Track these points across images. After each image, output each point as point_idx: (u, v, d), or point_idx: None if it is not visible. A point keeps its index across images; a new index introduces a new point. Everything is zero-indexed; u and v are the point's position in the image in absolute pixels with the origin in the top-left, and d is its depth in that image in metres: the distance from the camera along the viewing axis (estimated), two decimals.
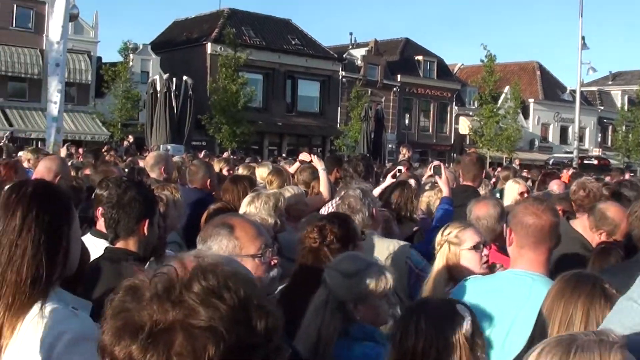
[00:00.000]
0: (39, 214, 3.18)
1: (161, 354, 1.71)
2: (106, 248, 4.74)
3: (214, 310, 1.73)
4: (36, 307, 3.04)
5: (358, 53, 72.62)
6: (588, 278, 3.51)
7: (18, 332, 3.02)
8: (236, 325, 1.75)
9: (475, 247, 5.30)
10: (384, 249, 6.28)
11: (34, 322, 3.01)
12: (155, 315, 1.73)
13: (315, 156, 10.40)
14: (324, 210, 8.03)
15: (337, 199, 7.42)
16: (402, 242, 6.67)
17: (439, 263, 5.38)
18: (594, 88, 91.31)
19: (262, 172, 11.34)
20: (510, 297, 4.38)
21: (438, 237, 5.48)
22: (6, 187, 3.37)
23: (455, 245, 5.30)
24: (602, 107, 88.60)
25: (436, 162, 8.38)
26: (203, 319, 1.72)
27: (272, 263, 3.84)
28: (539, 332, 3.39)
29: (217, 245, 3.83)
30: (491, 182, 13.74)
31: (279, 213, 6.80)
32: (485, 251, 5.30)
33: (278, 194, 6.97)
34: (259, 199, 6.66)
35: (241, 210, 6.55)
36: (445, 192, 7.96)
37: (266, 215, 6.51)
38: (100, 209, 4.93)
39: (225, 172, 12.28)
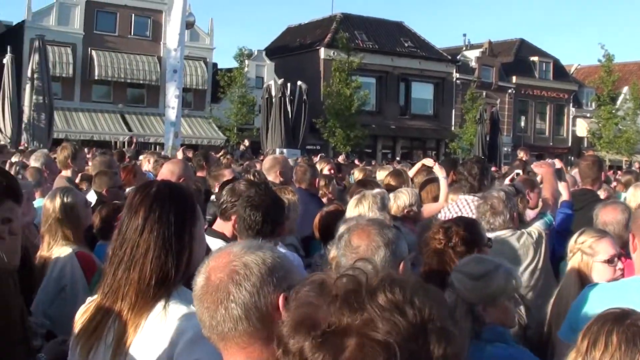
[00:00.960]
0: (162, 214, 3.25)
1: (330, 356, 1.68)
2: None
3: (393, 325, 1.67)
4: (159, 306, 3.12)
5: (472, 54, 71.91)
6: None
7: (142, 330, 3.10)
8: (412, 345, 1.67)
9: (609, 261, 5.09)
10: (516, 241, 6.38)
11: (157, 320, 3.09)
12: (333, 316, 1.71)
13: (437, 163, 10.33)
14: (442, 214, 7.98)
15: (477, 199, 7.39)
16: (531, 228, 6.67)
17: (570, 271, 5.22)
18: None
19: (381, 175, 11.38)
20: (636, 305, 4.07)
21: (571, 244, 5.33)
22: (130, 189, 3.46)
23: (588, 256, 5.13)
24: None
25: (558, 165, 8.21)
26: (380, 332, 1.66)
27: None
28: None
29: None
30: (612, 186, 13.43)
31: (387, 211, 6.78)
32: (620, 265, 5.07)
33: (382, 193, 6.94)
34: (365, 199, 6.63)
35: (350, 213, 6.56)
36: (565, 195, 7.86)
37: (378, 214, 6.45)
38: (236, 211, 5.10)
39: (326, 171, 12.29)
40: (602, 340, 2.94)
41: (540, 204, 7.38)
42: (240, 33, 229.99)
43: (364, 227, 4.25)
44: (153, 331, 3.07)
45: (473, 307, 4.08)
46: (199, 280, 2.57)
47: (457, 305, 4.08)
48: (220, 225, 5.64)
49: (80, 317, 3.35)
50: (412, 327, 1.68)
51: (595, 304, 4.15)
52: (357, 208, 6.58)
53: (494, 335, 4.05)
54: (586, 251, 5.13)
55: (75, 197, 6.04)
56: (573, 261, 5.21)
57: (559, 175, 7.96)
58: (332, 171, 12.58)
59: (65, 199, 5.84)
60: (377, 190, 7.11)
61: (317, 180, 9.76)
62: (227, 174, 9.87)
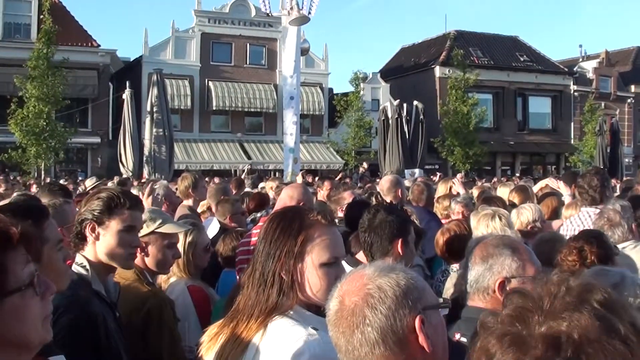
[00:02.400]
0: (288, 241, 3.38)
1: None
2: None
3: (622, 323, 1.68)
4: (277, 326, 3.25)
5: (589, 65, 70.53)
6: None
7: (258, 348, 3.22)
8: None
9: None
10: None
11: (275, 340, 3.18)
12: (573, 324, 1.68)
13: (562, 182, 10.41)
14: (565, 228, 8.05)
15: (597, 213, 7.32)
16: None
17: None
18: None
19: (502, 192, 11.38)
20: None
21: None
22: (270, 215, 3.70)
23: None
24: None
25: None
26: (618, 331, 1.66)
27: None
28: None
29: (499, 265, 3.95)
30: None
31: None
32: None
33: (503, 211, 7.00)
34: (493, 218, 6.71)
35: (478, 231, 6.58)
36: None
37: (509, 232, 6.50)
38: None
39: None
40: None
41: None
42: (355, 57, 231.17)
43: (490, 241, 4.22)
44: (270, 350, 3.16)
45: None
46: (333, 305, 2.60)
47: None
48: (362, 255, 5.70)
49: (207, 340, 3.50)
50: (631, 327, 1.69)
51: None
52: (486, 227, 6.63)
53: None
54: None
55: (199, 237, 6.30)
56: None
57: None
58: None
59: (188, 237, 6.13)
60: (496, 208, 7.16)
61: (433, 198, 9.88)
62: (347, 197, 10.10)
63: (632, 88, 71.22)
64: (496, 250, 3.97)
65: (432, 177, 26.61)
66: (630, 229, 6.52)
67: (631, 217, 6.65)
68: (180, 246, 5.71)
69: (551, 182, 11.04)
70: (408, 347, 2.47)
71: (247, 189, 16.73)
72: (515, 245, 4.03)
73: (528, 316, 1.73)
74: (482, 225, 6.67)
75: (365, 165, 35.05)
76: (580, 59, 73.47)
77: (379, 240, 5.04)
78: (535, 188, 11.44)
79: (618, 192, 13.43)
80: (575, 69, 69.57)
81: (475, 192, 12.78)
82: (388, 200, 8.81)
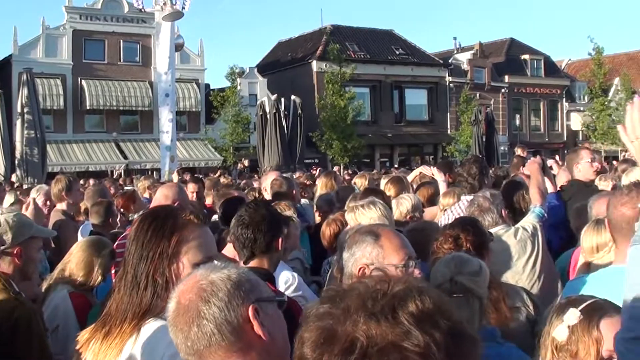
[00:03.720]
0: (160, 242, 3.31)
1: None
2: None
3: (429, 335, 1.65)
4: (151, 328, 3.17)
5: (463, 57, 72.21)
6: None
7: (132, 353, 3.14)
8: (448, 355, 1.66)
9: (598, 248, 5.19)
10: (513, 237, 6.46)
11: (149, 343, 3.11)
12: (369, 331, 1.66)
13: (435, 168, 10.46)
14: (445, 217, 8.05)
15: (466, 201, 7.58)
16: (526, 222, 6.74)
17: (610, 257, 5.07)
18: None
19: (360, 183, 11.65)
20: (616, 297, 3.95)
21: (597, 241, 5.27)
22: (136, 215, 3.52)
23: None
24: None
25: (550, 161, 8.29)
26: (419, 344, 1.63)
27: (415, 275, 3.78)
28: None
29: (361, 251, 3.95)
30: (617, 175, 13.41)
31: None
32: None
33: (379, 201, 6.79)
34: (370, 208, 6.51)
35: (356, 222, 6.41)
36: (551, 188, 8.25)
37: (386, 221, 6.34)
38: (232, 230, 5.06)
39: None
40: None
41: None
42: (232, 52, 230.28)
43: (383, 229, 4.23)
44: (137, 350, 3.13)
45: (482, 302, 4.08)
46: (171, 306, 2.60)
47: (472, 306, 4.06)
48: (228, 249, 5.64)
49: (79, 347, 3.35)
50: (445, 337, 1.66)
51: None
52: (365, 215, 6.50)
53: (484, 334, 3.97)
54: (582, 241, 5.21)
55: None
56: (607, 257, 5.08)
57: (544, 170, 8.05)
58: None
59: None
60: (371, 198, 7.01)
61: (294, 191, 9.86)
62: (235, 194, 10.00)
63: (506, 78, 73.35)
64: (360, 237, 4.00)
65: (311, 170, 26.54)
66: (500, 214, 6.64)
67: (501, 204, 6.79)
68: None
69: (425, 170, 11.07)
70: (244, 336, 2.53)
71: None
72: (381, 233, 4.02)
73: (340, 313, 1.72)
74: (359, 215, 6.51)
75: (244, 161, 34.82)
76: (455, 51, 75.22)
77: (262, 237, 4.89)
78: (410, 177, 11.45)
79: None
80: (450, 61, 71.02)
81: (358, 181, 12.73)
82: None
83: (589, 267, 5.25)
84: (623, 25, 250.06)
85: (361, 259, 3.93)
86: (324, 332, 1.72)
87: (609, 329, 3.09)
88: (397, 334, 1.64)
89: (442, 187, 9.55)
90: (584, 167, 9.08)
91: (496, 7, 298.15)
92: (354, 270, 3.93)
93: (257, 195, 10.28)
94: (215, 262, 2.86)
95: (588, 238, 5.40)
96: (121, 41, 54.24)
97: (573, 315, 3.15)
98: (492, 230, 6.19)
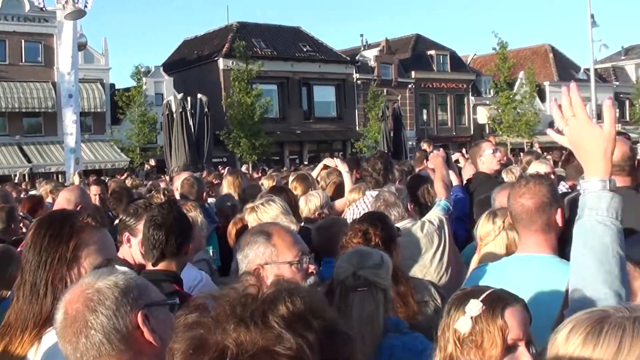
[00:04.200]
0: (57, 249, 3.24)
1: None
2: (143, 272, 4.69)
3: (302, 338, 1.61)
4: (53, 337, 2.94)
5: (370, 54, 72.80)
6: None
7: None
8: (322, 354, 1.63)
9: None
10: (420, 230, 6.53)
11: (51, 352, 2.98)
12: (239, 338, 1.61)
13: (338, 159, 10.62)
14: (351, 211, 8.17)
15: (371, 197, 7.71)
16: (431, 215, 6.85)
17: (494, 247, 5.24)
18: (608, 64, 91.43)
19: (267, 184, 11.68)
20: (517, 284, 4.06)
21: (488, 228, 5.34)
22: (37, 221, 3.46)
23: (512, 231, 5.16)
24: (617, 83, 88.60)
25: (456, 154, 8.44)
26: (292, 347, 1.60)
27: (309, 271, 3.96)
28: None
29: (253, 252, 3.96)
30: (522, 167, 13.63)
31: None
32: None
33: (278, 199, 6.98)
34: (269, 205, 6.69)
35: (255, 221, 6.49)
36: (455, 181, 8.55)
37: (284, 219, 6.43)
38: (142, 231, 4.99)
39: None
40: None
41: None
42: (137, 51, 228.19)
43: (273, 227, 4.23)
44: None
45: (387, 293, 4.11)
46: (58, 317, 2.54)
47: (376, 299, 4.08)
48: (126, 251, 5.50)
49: None
50: (318, 336, 1.64)
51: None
52: (266, 213, 6.60)
53: (390, 325, 4.07)
54: (509, 227, 5.17)
55: None
56: (498, 243, 5.23)
57: (448, 163, 8.28)
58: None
59: None
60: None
61: (204, 192, 9.88)
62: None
63: (413, 74, 74.00)
64: (252, 238, 4.03)
65: (220, 169, 26.34)
66: (406, 208, 6.80)
67: (406, 198, 6.98)
68: None
69: (328, 162, 11.12)
70: (134, 343, 2.51)
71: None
72: (272, 231, 4.05)
73: (210, 322, 1.68)
74: (259, 214, 6.65)
75: (151, 162, 34.41)
76: (362, 48, 75.75)
77: (174, 239, 4.86)
78: (315, 172, 11.43)
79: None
80: (357, 58, 71.46)
81: (265, 182, 12.66)
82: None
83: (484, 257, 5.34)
84: (526, 20, 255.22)
85: (255, 259, 3.94)
86: (193, 342, 1.67)
87: (512, 317, 3.12)
88: (269, 339, 1.61)
89: (346, 178, 9.71)
90: (487, 159, 9.20)
91: (402, 3, 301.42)
92: (249, 271, 3.90)
93: (162, 196, 10.14)
94: (116, 266, 2.80)
95: (479, 228, 5.48)
96: (22, 41, 53.00)
97: (475, 306, 3.12)
98: (399, 225, 6.25)
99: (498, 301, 3.17)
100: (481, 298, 3.16)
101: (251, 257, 3.95)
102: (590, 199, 2.96)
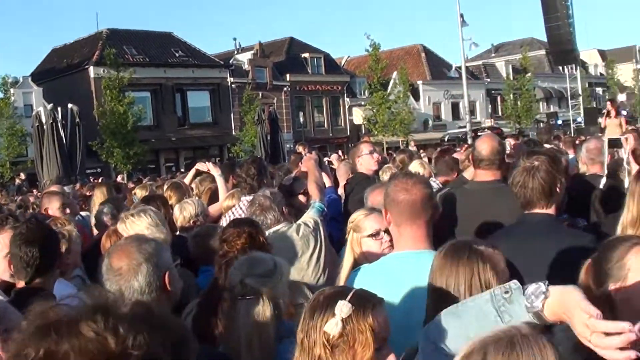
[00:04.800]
0: None
1: None
2: (15, 291, 4.65)
3: (92, 355, 1.64)
4: None
5: (244, 57, 72.67)
6: (463, 245, 3.52)
7: None
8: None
9: (374, 235, 5.26)
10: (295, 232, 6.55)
11: None
12: (32, 349, 1.65)
13: (210, 163, 10.70)
14: (227, 219, 8.01)
15: (246, 202, 7.70)
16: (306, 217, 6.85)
17: (347, 250, 5.39)
18: (479, 62, 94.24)
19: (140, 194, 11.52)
20: (396, 280, 4.28)
21: (348, 225, 5.51)
22: None
23: (357, 233, 5.33)
24: (488, 80, 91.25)
25: (333, 156, 8.49)
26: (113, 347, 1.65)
27: None
28: (431, 307, 3.43)
29: None
30: (396, 165, 13.79)
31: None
32: (386, 237, 5.14)
33: (151, 209, 6.78)
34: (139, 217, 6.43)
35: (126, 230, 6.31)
36: (328, 182, 8.71)
37: (155, 231, 6.29)
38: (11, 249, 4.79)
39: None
40: None
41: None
42: (3, 61, 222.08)
43: (122, 246, 4.15)
44: None
45: (278, 304, 4.11)
46: None
47: (264, 308, 4.05)
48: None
49: None
50: (114, 355, 1.66)
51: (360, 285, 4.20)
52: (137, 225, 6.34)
53: (284, 331, 4.06)
54: (355, 229, 5.36)
55: None
56: (349, 241, 5.41)
57: (320, 165, 8.39)
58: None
59: None
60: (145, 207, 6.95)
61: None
62: None
63: (288, 77, 74.42)
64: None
65: (94, 180, 25.77)
66: (281, 212, 6.79)
67: (282, 201, 6.96)
68: None
69: (201, 167, 11.12)
70: None
71: None
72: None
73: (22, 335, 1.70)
74: (130, 225, 6.36)
75: (22, 175, 33.47)
76: (236, 52, 75.80)
77: (47, 254, 4.75)
78: (187, 179, 11.45)
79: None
80: (231, 62, 71.54)
81: (139, 192, 12.42)
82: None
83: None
84: (398, 21, 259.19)
85: None
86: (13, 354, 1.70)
87: (381, 316, 3.16)
88: (62, 352, 1.64)
89: (219, 181, 9.73)
90: (364, 160, 9.34)
91: (275, 7, 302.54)
92: None
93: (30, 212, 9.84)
94: None
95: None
96: None
97: (345, 307, 3.08)
98: (274, 229, 6.40)
99: (366, 301, 3.17)
100: (348, 299, 3.12)
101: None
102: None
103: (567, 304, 2.53)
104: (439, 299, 3.37)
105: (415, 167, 10.14)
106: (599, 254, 3.47)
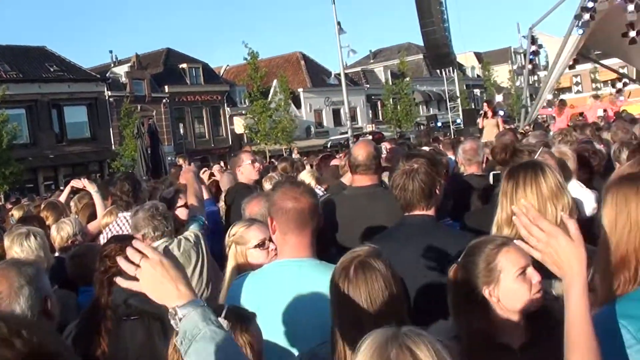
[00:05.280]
0: None
1: None
2: None
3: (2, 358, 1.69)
4: None
5: (121, 70, 71.61)
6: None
7: None
8: None
9: (261, 245, 5.28)
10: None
11: None
12: None
13: (86, 179, 10.52)
14: (105, 234, 8.06)
15: (124, 219, 7.80)
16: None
17: (230, 263, 5.37)
18: (358, 68, 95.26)
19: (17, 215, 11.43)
20: (279, 289, 4.30)
21: (226, 239, 5.48)
22: None
23: (242, 245, 5.30)
24: (368, 85, 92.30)
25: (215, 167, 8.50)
26: None
27: None
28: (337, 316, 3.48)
29: None
30: (277, 173, 13.85)
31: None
32: (272, 246, 5.14)
33: (38, 230, 6.70)
34: (27, 237, 6.36)
35: (12, 251, 6.30)
36: (206, 195, 8.86)
37: (40, 254, 6.29)
38: None
39: None
40: None
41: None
42: None
43: (0, 270, 4.05)
44: None
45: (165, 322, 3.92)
46: None
47: (150, 328, 4.10)
48: None
49: None
50: (23, 356, 1.72)
51: (243, 293, 4.42)
52: (22, 245, 6.32)
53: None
54: (239, 241, 5.33)
55: None
56: (231, 254, 5.38)
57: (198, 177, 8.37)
58: None
59: None
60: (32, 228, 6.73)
61: None
62: None
63: (166, 88, 73.74)
64: None
65: None
66: (165, 226, 6.55)
67: (168, 215, 6.76)
68: None
69: (75, 183, 10.96)
70: None
71: None
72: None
73: None
74: (15, 245, 6.33)
75: None
76: (112, 65, 74.51)
77: None
78: (62, 197, 11.40)
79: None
80: (108, 75, 70.28)
81: (15, 213, 12.14)
82: None
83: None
84: (277, 29, 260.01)
85: None
86: None
87: (257, 330, 3.33)
88: None
89: (96, 198, 9.62)
90: (245, 170, 9.52)
91: (151, 17, 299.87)
92: None
93: None
94: None
95: None
96: None
97: (224, 324, 3.01)
98: (155, 244, 6.09)
99: (242, 317, 3.30)
100: (224, 315, 3.16)
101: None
102: None
103: None
104: (342, 309, 3.41)
105: (305, 176, 10.13)
106: (466, 257, 3.59)
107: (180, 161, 19.44)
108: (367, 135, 57.49)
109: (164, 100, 73.04)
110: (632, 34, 30.05)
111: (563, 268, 2.82)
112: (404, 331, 2.34)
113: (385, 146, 10.36)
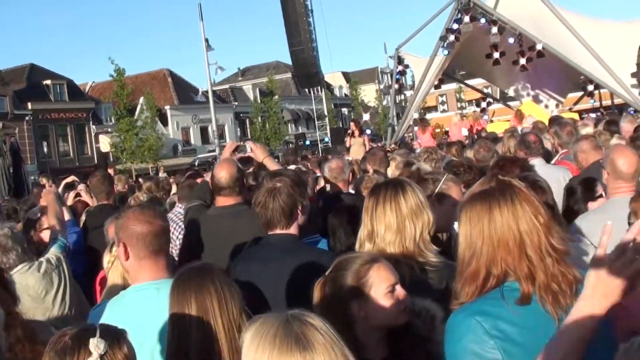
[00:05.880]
0: None
1: None
2: None
3: None
4: None
5: None
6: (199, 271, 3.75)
7: None
8: None
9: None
10: None
11: None
12: None
13: None
14: None
15: None
16: None
17: (113, 278, 5.43)
18: (226, 86, 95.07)
19: None
20: (139, 313, 4.31)
21: (107, 257, 5.53)
22: None
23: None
24: (236, 103, 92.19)
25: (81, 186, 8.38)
26: None
27: None
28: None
29: None
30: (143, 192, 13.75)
31: None
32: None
33: None
34: None
35: None
36: (67, 216, 8.41)
37: None
38: None
39: None
40: None
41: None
42: None
43: None
44: None
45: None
46: None
47: None
48: None
49: None
50: None
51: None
52: None
53: None
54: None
55: None
56: (114, 270, 5.46)
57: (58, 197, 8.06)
58: None
59: None
60: None
61: None
62: None
63: (29, 105, 71.72)
64: None
65: None
66: (24, 250, 6.27)
67: (23, 239, 6.51)
68: None
69: None
70: None
71: None
72: None
73: None
74: None
75: None
76: None
77: None
78: None
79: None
80: None
81: None
82: None
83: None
84: (144, 46, 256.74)
85: None
86: None
87: (129, 345, 3.22)
88: None
89: None
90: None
91: (13, 31, 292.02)
92: None
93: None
94: None
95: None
96: None
97: (101, 344, 3.07)
98: (15, 270, 5.98)
99: (115, 334, 3.18)
100: (99, 335, 3.09)
101: None
102: None
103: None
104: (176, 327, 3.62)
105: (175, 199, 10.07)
106: (335, 272, 3.65)
107: (44, 181, 19.01)
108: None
109: (27, 118, 71.05)
110: (496, 55, 31.08)
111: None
112: (291, 314, 2.46)
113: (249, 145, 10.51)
